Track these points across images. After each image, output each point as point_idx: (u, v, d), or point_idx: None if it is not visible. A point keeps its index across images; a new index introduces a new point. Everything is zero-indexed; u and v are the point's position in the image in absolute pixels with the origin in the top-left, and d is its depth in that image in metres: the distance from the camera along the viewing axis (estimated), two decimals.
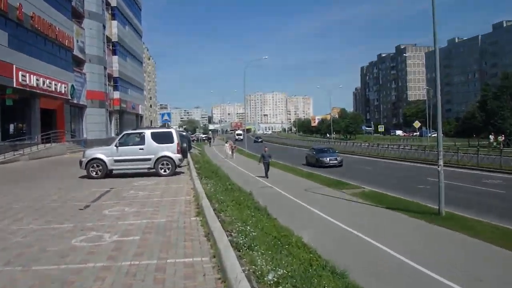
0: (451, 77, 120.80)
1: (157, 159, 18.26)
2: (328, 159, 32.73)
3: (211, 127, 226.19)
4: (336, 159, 32.93)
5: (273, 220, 11.74)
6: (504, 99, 54.41)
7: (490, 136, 45.06)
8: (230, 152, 43.49)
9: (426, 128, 68.65)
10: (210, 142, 77.22)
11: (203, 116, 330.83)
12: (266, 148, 26.66)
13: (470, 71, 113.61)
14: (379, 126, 77.83)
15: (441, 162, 13.91)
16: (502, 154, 27.93)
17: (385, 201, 16.51)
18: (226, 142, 45.58)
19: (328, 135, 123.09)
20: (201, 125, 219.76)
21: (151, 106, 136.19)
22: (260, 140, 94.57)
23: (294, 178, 25.90)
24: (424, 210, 14.46)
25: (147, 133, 18.57)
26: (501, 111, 54.06)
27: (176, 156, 18.45)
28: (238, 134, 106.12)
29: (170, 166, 18.30)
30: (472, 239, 10.96)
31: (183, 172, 19.83)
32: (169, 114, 37.34)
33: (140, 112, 68.87)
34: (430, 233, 11.89)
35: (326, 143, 63.00)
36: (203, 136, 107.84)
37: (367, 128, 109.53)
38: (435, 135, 21.81)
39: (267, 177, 24.78)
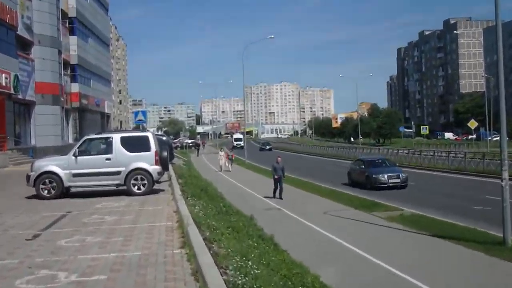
0: None
1: (129, 172, 18.28)
2: (386, 177, 28.51)
3: (199, 129, 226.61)
4: (398, 177, 28.59)
5: (282, 252, 11.74)
6: None
7: None
8: (226, 163, 43.49)
9: (485, 130, 68.53)
10: (198, 150, 75.36)
11: (189, 115, 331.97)
12: (279, 158, 25.68)
13: None
14: (422, 127, 77.59)
15: (505, 175, 13.85)
16: None
17: (432, 226, 16.45)
18: (220, 150, 45.46)
19: (352, 139, 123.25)
20: (187, 127, 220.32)
21: (121, 102, 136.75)
22: (268, 147, 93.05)
23: (310, 196, 25.90)
24: (484, 238, 14.39)
25: (116, 138, 18.61)
26: None
27: (154, 169, 18.47)
28: (236, 139, 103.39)
29: (146, 181, 18.33)
30: None
31: (163, 190, 19.83)
32: (144, 113, 37.30)
33: (106, 110, 69.09)
34: (492, 270, 11.81)
35: (352, 150, 63.03)
36: (189, 141, 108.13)
37: (406, 130, 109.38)
38: (498, 138, 21.61)
39: (280, 198, 24.46)
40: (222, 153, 45.30)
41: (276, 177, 24.60)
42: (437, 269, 12.05)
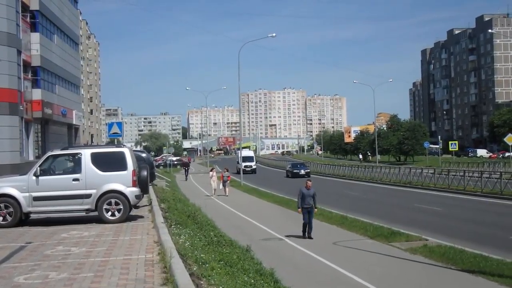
0: None
1: (101, 195, 18.29)
2: None
3: (186, 144, 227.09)
4: None
5: None
6: None
7: None
8: (220, 186, 42.61)
9: None
10: (187, 171, 71.36)
11: (174, 128, 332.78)
12: (309, 182, 22.25)
13: None
14: (450, 143, 77.82)
15: None
16: None
17: (461, 259, 16.52)
18: (211, 170, 44.94)
19: (360, 156, 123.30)
20: (171, 142, 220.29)
21: (92, 112, 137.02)
22: (305, 171, 69.36)
23: (317, 224, 25.91)
24: None
25: (86, 154, 18.64)
26: None
27: (131, 191, 18.49)
28: (245, 159, 78.29)
29: (121, 206, 18.33)
30: None
31: (141, 216, 19.84)
32: (120, 125, 37.31)
33: (74, 122, 69.13)
34: None
35: (369, 169, 63.09)
36: (174, 159, 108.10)
37: (432, 146, 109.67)
38: None
39: (309, 237, 21.79)
40: (213, 173, 44.14)
41: (305, 206, 21.53)
42: None
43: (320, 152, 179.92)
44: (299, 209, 21.78)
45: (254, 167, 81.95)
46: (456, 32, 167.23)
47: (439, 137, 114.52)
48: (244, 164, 72.51)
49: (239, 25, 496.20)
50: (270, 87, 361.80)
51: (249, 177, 65.95)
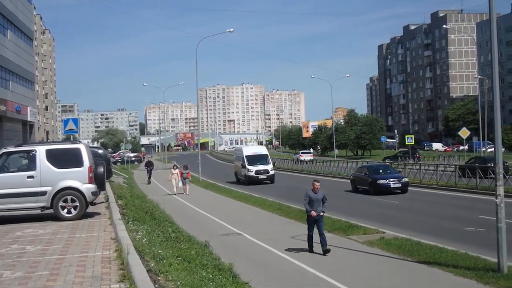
0: None
1: (57, 192, 18.14)
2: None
3: (144, 140, 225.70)
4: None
5: (243, 285, 11.80)
6: None
7: None
8: (180, 184, 41.73)
9: (479, 139, 70.09)
10: (150, 173, 55.60)
11: (131, 124, 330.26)
12: (316, 183, 17.88)
13: None
14: (406, 137, 78.87)
15: (501, 191, 14.18)
16: None
17: (417, 251, 16.79)
18: (173, 168, 44.06)
19: (312, 149, 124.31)
20: (129, 138, 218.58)
21: (47, 108, 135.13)
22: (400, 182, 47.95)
23: (275, 218, 26.14)
24: (476, 264, 14.76)
25: (40, 151, 18.45)
26: None
27: (88, 188, 18.38)
28: (255, 158, 51.69)
29: (77, 203, 18.22)
30: None
31: (98, 213, 19.73)
32: (76, 121, 36.92)
33: (29, 118, 68.15)
34: None
35: (327, 163, 63.54)
36: (132, 155, 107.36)
37: (388, 140, 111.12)
38: (492, 149, 22.08)
39: (325, 252, 17.30)
40: (175, 171, 42.98)
41: (312, 214, 17.56)
42: None
43: (278, 147, 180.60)
44: (313, 212, 17.44)
45: (271, 172, 49.99)
46: (412, 27, 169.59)
47: (396, 131, 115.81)
48: (254, 168, 49.32)
49: (197, 21, 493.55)
50: (228, 82, 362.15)
51: (208, 172, 64.97)
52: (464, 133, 64.67)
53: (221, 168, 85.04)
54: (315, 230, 17.62)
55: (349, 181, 41.86)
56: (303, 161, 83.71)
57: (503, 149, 76.50)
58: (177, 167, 43.48)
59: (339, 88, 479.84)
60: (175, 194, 40.39)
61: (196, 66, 61.75)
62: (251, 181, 48.59)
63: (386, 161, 60.92)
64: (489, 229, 19.23)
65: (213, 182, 51.69)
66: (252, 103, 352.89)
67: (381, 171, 38.17)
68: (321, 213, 17.68)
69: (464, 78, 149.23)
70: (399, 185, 36.21)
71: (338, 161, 65.91)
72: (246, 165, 49.76)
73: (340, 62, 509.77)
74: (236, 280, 12.07)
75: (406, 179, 37.69)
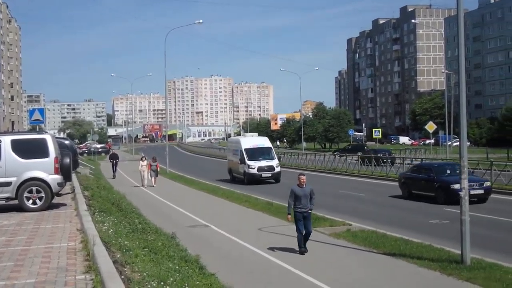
0: (484, 56, 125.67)
1: (22, 183, 17.99)
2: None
3: (111, 131, 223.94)
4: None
5: (210, 276, 11.82)
6: None
7: None
8: (149, 176, 41.06)
9: (445, 133, 70.84)
10: (115, 167, 51.51)
11: (98, 115, 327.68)
12: (302, 177, 16.58)
13: None
14: (374, 130, 79.46)
15: (465, 184, 14.40)
16: None
17: (383, 243, 17.00)
18: (141, 159, 42.89)
19: (278, 143, 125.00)
20: (96, 129, 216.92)
21: (12, 98, 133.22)
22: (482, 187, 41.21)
23: (243, 211, 26.27)
24: (440, 256, 14.99)
25: (5, 141, 18.28)
26: None
27: (53, 179, 18.25)
28: (256, 152, 43.72)
29: (43, 194, 18.08)
30: None
31: (64, 204, 19.60)
32: (41, 111, 36.45)
33: None
34: None
35: (295, 156, 63.75)
36: (99, 146, 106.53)
37: (356, 134, 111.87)
38: (458, 143, 22.30)
39: (301, 249, 16.42)
40: (144, 162, 41.80)
41: (299, 211, 16.31)
42: None
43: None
44: (289, 216, 16.50)
45: (277, 169, 42.28)
46: (381, 22, 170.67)
47: (363, 124, 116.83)
48: (256, 165, 41.73)
49: (166, 12, 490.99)
50: (197, 74, 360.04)
51: (176, 164, 64.63)
52: (430, 127, 65.39)
53: (189, 160, 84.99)
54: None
55: (314, 173, 41.96)
56: None
57: (468, 143, 77.46)
58: (145, 159, 42.76)
59: (308, 81, 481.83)
60: (143, 186, 39.84)
61: (165, 57, 61.79)
62: (253, 179, 41.00)
63: (336, 154, 60.60)
64: (453, 221, 19.52)
65: (181, 174, 51.51)
66: (220, 95, 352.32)
67: (449, 171, 28.81)
68: (309, 210, 16.39)
69: (431, 72, 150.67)
70: (480, 191, 26.41)
71: (306, 154, 66.15)
72: (246, 161, 41.70)
73: (309, 55, 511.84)
74: (203, 271, 12.10)
75: (489, 184, 27.92)
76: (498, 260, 14.40)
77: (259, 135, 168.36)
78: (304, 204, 16.21)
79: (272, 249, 16.91)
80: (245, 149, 42.49)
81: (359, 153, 57.47)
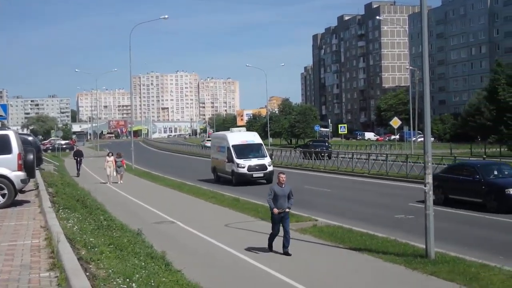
0: (447, 53, 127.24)
1: None
2: None
3: (76, 128, 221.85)
4: None
5: (176, 273, 11.80)
6: None
7: None
8: (115, 173, 40.22)
9: (410, 129, 71.68)
10: (79, 164, 49.29)
11: (63, 111, 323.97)
12: (282, 176, 16.14)
13: (475, 44, 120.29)
14: (340, 126, 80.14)
15: (429, 179, 14.58)
16: None
17: (349, 238, 17.15)
18: (108, 155, 41.89)
19: None
20: (60, 125, 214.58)
21: None
22: None
23: (209, 207, 26.29)
24: (405, 251, 15.18)
25: None
26: None
27: (17, 176, 18.06)
28: (245, 149, 39.52)
29: (5, 191, 17.91)
30: None
31: (28, 201, 19.41)
32: (4, 107, 35.95)
33: None
34: (413, 286, 12.49)
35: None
36: (63, 142, 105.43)
37: (322, 129, 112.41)
38: (422, 139, 22.59)
39: (285, 253, 15.67)
40: (110, 158, 40.82)
41: (274, 211, 15.66)
42: (353, 286, 12.61)
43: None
44: (275, 209, 15.59)
45: (269, 169, 38.02)
46: (346, 18, 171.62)
47: (329, 120, 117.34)
48: (246, 163, 37.62)
49: (132, 7, 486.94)
50: (162, 70, 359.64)
51: (142, 160, 64.24)
52: (395, 123, 66.10)
53: (154, 156, 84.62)
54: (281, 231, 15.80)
55: (281, 169, 41.87)
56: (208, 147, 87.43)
57: (432, 138, 78.46)
58: (112, 155, 41.95)
59: (274, 77, 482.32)
60: (109, 183, 39.24)
61: (130, 53, 61.07)
62: (242, 180, 36.83)
63: (297, 149, 61.49)
64: (418, 216, 19.75)
65: (147, 171, 51.20)
66: (186, 91, 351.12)
67: (496, 172, 24.21)
68: (287, 210, 15.75)
69: (396, 69, 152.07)
70: None
71: (272, 150, 66.30)
72: (235, 159, 37.38)
73: (275, 51, 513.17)
74: (169, 268, 12.08)
75: None
76: (462, 253, 14.63)
77: (224, 131, 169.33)
78: (282, 204, 15.57)
79: (238, 245, 16.92)
80: (233, 146, 38.01)
81: (299, 148, 59.27)
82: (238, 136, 40.60)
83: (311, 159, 50.54)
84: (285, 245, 15.62)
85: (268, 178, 37.08)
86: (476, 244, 16.59)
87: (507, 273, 12.67)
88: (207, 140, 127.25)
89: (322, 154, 50.65)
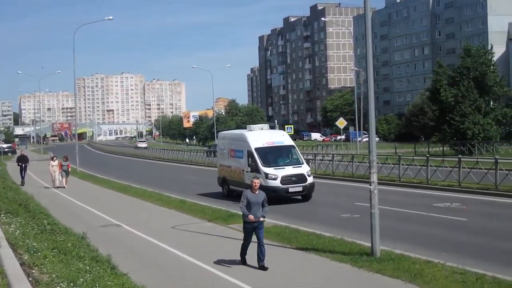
0: (391, 54, 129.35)
1: None
2: None
3: (18, 131, 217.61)
4: None
5: (122, 276, 11.70)
6: (465, 87, 58.68)
7: None
8: (60, 177, 38.95)
9: (355, 129, 72.50)
10: (23, 170, 43.24)
11: (4, 114, 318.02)
12: (256, 181, 14.51)
13: (418, 45, 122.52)
14: (286, 127, 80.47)
15: (374, 178, 14.78)
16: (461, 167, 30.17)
17: (296, 238, 17.24)
18: (52, 159, 40.34)
19: (188, 140, 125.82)
20: (2, 128, 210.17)
21: None
22: None
23: (156, 209, 26.13)
24: (352, 249, 15.34)
25: None
26: (460, 104, 58.39)
27: None
28: (273, 152, 28.68)
29: None
30: None
31: None
32: None
33: None
34: (359, 283, 12.65)
35: (201, 153, 63.72)
36: (5, 146, 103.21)
37: None
38: (368, 139, 22.54)
39: (260, 267, 14.08)
40: (54, 162, 39.47)
41: (250, 217, 14.08)
42: (300, 286, 12.68)
43: (157, 137, 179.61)
44: (250, 216, 14.00)
45: (309, 180, 27.25)
46: (292, 19, 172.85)
47: (276, 121, 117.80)
48: (280, 173, 26.93)
49: (76, 8, 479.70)
50: (107, 71, 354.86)
51: (87, 163, 62.90)
52: (341, 123, 66.89)
53: (99, 159, 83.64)
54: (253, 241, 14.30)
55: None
56: (140, 147, 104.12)
57: (377, 138, 79.74)
58: (56, 158, 40.81)
59: (220, 79, 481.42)
60: (54, 187, 38.19)
61: (74, 54, 60.34)
62: (272, 197, 22.67)
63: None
64: (363, 215, 20.00)
65: (91, 173, 50.54)
66: (132, 92, 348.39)
67: None
68: (261, 219, 14.28)
69: (341, 70, 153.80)
70: None
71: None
72: (260, 167, 27.04)
73: (222, 53, 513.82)
74: (115, 272, 11.98)
75: None
76: (407, 251, 14.87)
77: (171, 133, 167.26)
78: (255, 213, 14.04)
79: (185, 247, 16.86)
80: (256, 150, 27.78)
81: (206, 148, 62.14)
82: (261, 136, 29.32)
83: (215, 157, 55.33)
84: (261, 258, 14.01)
85: (308, 193, 27.29)
86: (421, 241, 16.88)
87: (450, 268, 12.95)
88: (140, 141, 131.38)
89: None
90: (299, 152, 29.53)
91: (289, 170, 27.06)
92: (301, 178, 26.73)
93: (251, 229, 14.19)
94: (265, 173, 26.62)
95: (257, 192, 14.22)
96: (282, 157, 28.70)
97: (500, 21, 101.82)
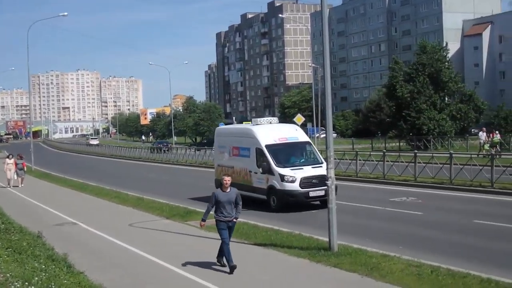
0: (348, 50, 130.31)
1: None
2: None
3: None
4: None
5: (78, 275, 11.62)
6: (420, 83, 59.43)
7: (481, 133, 48.04)
8: (15, 176, 38.16)
9: (313, 125, 72.87)
10: None
11: None
12: (226, 178, 13.53)
13: (375, 42, 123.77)
14: (244, 124, 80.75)
15: (331, 173, 14.90)
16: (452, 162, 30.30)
17: (254, 234, 17.34)
18: (8, 157, 39.47)
19: (144, 138, 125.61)
20: None
21: None
22: None
23: (112, 207, 25.93)
24: (309, 244, 15.46)
25: None
26: (416, 100, 59.14)
27: None
28: (287, 149, 24.69)
29: None
30: (378, 283, 11.93)
31: None
32: None
33: None
34: (317, 278, 12.72)
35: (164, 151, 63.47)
36: None
37: None
38: (325, 135, 22.58)
39: (230, 269, 13.29)
40: (10, 161, 38.59)
41: (222, 220, 13.46)
42: (257, 281, 12.76)
43: (113, 135, 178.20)
44: (202, 223, 13.83)
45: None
46: (250, 16, 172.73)
47: (234, 118, 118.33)
48: (299, 175, 22.82)
49: (30, 4, 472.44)
50: (62, 68, 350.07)
51: (42, 161, 61.85)
52: (299, 119, 66.88)
53: (55, 157, 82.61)
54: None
55: (186, 167, 41.72)
56: (92, 144, 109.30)
57: (335, 134, 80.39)
58: (12, 157, 39.88)
59: (178, 76, 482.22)
60: (10, 187, 37.41)
61: (28, 51, 59.56)
62: (290, 202, 22.75)
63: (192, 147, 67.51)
64: (321, 211, 20.15)
65: (47, 172, 49.85)
66: (88, 90, 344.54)
67: None
68: (234, 220, 13.62)
69: (299, 66, 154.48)
70: None
71: (176, 148, 65.96)
72: (274, 168, 23.23)
73: (179, 49, 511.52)
74: (71, 270, 11.90)
75: None
76: (364, 245, 15.06)
77: (128, 130, 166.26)
78: (229, 212, 13.35)
79: (142, 244, 16.78)
80: (267, 147, 23.81)
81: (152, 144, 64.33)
82: (272, 132, 24.98)
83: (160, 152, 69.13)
84: (229, 259, 13.32)
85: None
86: (377, 235, 17.11)
87: (406, 262, 13.16)
88: (92, 139, 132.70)
89: (164, 150, 73.37)
90: (316, 150, 25.51)
91: (309, 171, 23.24)
92: (323, 180, 19.70)
93: (224, 227, 13.39)
94: (280, 174, 22.90)
95: (228, 190, 13.39)
96: (297, 155, 24.88)
97: (455, 18, 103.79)
